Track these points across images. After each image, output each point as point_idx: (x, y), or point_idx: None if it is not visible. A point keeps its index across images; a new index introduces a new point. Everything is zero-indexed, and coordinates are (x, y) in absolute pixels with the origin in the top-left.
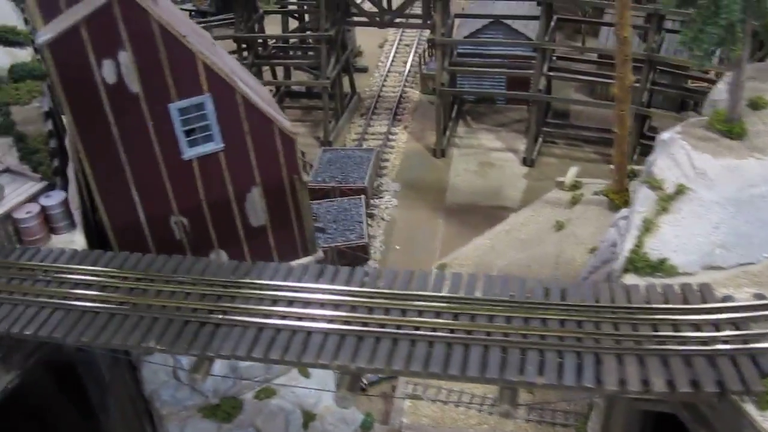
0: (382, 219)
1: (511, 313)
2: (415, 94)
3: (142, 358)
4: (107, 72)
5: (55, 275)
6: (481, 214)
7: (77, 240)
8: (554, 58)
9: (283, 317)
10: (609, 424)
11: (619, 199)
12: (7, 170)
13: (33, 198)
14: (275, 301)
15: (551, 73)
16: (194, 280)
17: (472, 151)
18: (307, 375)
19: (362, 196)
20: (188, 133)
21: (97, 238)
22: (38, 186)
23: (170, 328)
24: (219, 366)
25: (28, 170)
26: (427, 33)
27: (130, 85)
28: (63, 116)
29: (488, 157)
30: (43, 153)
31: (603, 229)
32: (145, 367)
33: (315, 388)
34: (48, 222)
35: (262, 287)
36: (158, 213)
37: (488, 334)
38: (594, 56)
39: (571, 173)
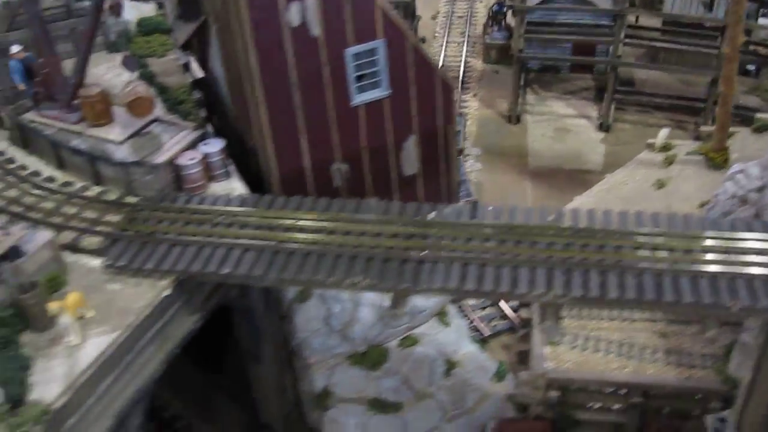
0: (471, 181)
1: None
2: (477, 63)
3: (294, 307)
4: (293, 14)
5: (243, 218)
6: (565, 176)
7: (237, 187)
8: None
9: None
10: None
11: (719, 157)
12: (156, 120)
13: (191, 146)
14: (469, 239)
15: (629, 40)
16: (384, 220)
17: (544, 117)
18: (447, 324)
19: (460, 157)
20: (358, 78)
21: (251, 186)
22: (193, 134)
23: (372, 265)
24: (367, 312)
25: (178, 119)
26: (479, 4)
27: (312, 29)
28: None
29: (562, 123)
30: (189, 103)
31: (707, 185)
32: (298, 315)
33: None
34: (207, 170)
35: (454, 226)
36: (321, 159)
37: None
38: (658, 23)
39: (662, 135)
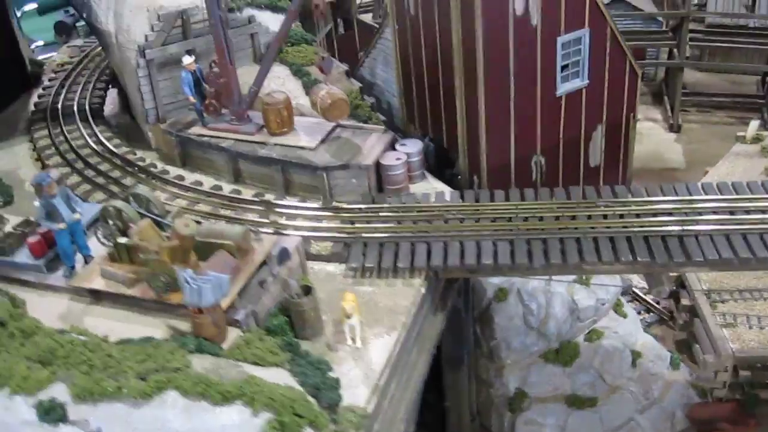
0: None
1: None
2: None
3: (493, 307)
4: (518, 3)
5: (473, 212)
6: (655, 176)
7: (437, 186)
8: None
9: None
10: None
11: None
12: (338, 126)
13: (388, 148)
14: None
15: (699, 43)
16: (610, 203)
17: None
18: (624, 315)
19: None
20: (563, 68)
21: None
22: (385, 137)
23: (636, 245)
24: (559, 308)
25: (360, 124)
26: None
27: (533, 18)
28: None
29: None
30: (364, 108)
31: None
32: (498, 315)
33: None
34: (408, 170)
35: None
36: (524, 152)
37: None
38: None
39: (753, 126)
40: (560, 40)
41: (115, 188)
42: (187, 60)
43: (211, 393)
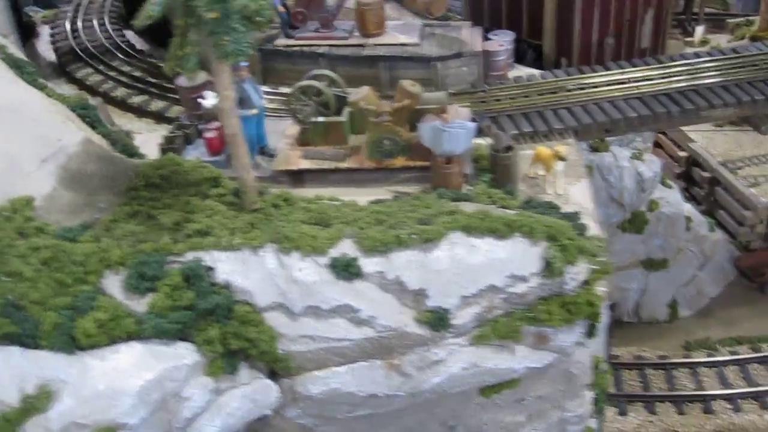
0: None
1: None
2: None
3: None
4: None
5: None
6: None
7: (528, 70)
8: None
9: None
10: None
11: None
12: (426, 25)
13: (483, 38)
14: None
15: None
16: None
17: None
18: (670, 186)
19: None
20: None
21: None
22: (476, 29)
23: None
24: (628, 180)
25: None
26: None
27: None
28: None
29: None
30: None
31: None
32: None
33: None
34: None
35: None
36: (603, 34)
37: None
38: None
39: (699, 32)
40: None
41: None
42: None
43: (494, 228)
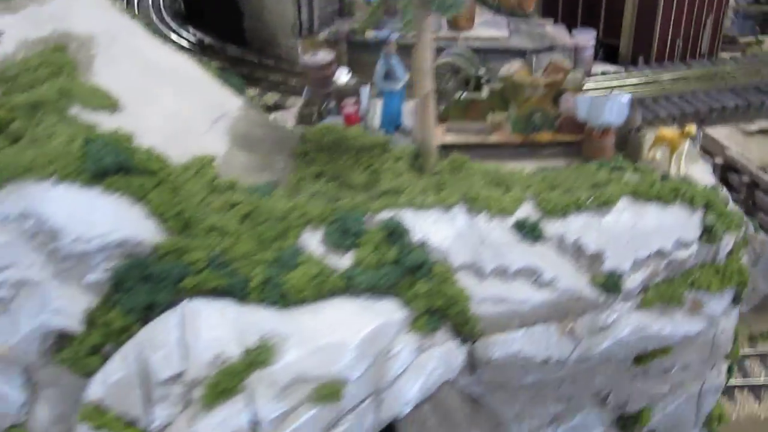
0: None
1: None
2: None
3: None
4: None
5: None
6: None
7: (606, 67)
8: None
9: None
10: None
11: None
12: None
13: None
14: None
15: None
16: None
17: None
18: None
19: None
20: None
21: None
22: (560, 26)
23: None
24: None
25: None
26: None
27: None
28: None
29: None
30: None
31: None
32: None
33: None
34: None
35: None
36: (675, 35)
37: None
38: None
39: None
40: None
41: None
42: None
43: (660, 194)
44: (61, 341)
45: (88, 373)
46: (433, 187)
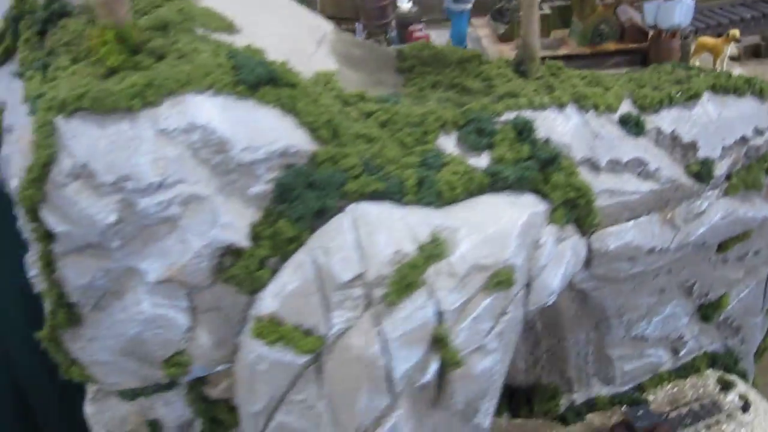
0: None
1: None
2: None
3: None
4: None
5: None
6: None
7: None
8: None
9: None
10: None
11: None
12: None
13: None
14: None
15: None
16: None
17: None
18: None
19: None
20: None
21: None
22: None
23: None
24: None
25: None
26: None
27: None
28: None
29: None
30: None
31: None
32: None
33: None
34: None
35: None
36: None
37: None
38: None
39: None
40: None
41: None
42: None
43: (737, 86)
44: (223, 259)
45: (256, 289)
46: (543, 89)
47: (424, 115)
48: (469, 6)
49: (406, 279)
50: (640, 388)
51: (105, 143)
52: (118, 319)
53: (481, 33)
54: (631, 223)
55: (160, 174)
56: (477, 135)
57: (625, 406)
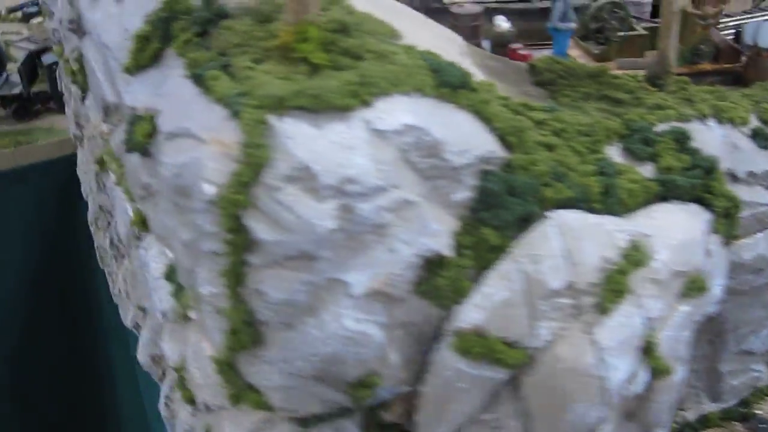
0: None
1: None
2: None
3: None
4: None
5: None
6: None
7: None
8: None
9: None
10: None
11: None
12: None
13: None
14: None
15: None
16: None
17: None
18: None
19: None
20: None
21: None
22: None
23: None
24: None
25: None
26: None
27: None
28: None
29: None
30: None
31: None
32: None
33: None
34: None
35: None
36: None
37: None
38: None
39: None
40: None
41: None
42: None
43: None
44: (421, 270)
45: (456, 302)
46: (684, 102)
47: (592, 124)
48: (574, 25)
49: (617, 286)
50: (744, 403)
51: (324, 143)
52: (312, 338)
53: (572, 53)
54: (761, 234)
55: (381, 177)
56: (643, 144)
57: (750, 421)
